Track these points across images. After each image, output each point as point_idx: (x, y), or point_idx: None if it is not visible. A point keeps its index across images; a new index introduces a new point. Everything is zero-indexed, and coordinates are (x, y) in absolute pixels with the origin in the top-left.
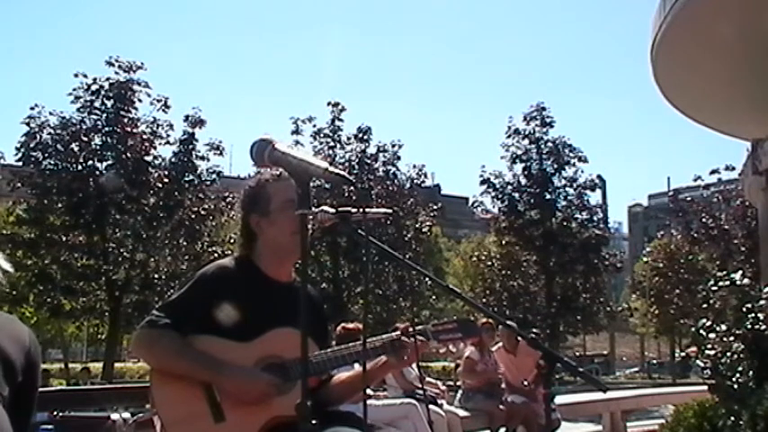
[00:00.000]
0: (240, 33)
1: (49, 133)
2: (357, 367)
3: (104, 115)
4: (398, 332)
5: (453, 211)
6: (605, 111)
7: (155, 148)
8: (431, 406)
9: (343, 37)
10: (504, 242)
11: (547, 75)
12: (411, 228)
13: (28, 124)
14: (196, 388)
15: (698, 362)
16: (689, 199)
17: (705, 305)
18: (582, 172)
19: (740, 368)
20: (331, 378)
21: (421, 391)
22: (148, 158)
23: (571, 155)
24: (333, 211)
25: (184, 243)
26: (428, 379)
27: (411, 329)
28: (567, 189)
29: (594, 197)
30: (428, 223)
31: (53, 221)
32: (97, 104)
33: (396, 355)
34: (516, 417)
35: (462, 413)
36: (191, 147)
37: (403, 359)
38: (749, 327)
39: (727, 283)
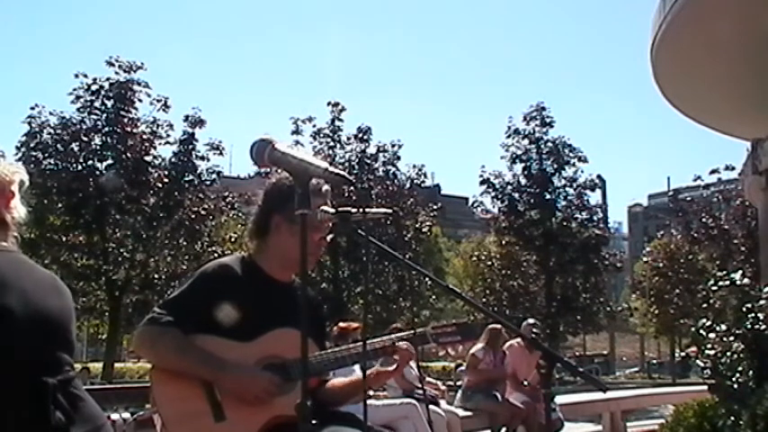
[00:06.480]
0: (240, 33)
1: (50, 133)
2: (356, 369)
3: (104, 115)
4: (399, 335)
5: (453, 211)
6: (605, 110)
7: (155, 148)
8: (431, 406)
9: (344, 37)
10: (504, 242)
11: (547, 75)
12: (411, 228)
13: (29, 124)
14: (197, 386)
15: (698, 362)
16: (689, 199)
17: (705, 305)
18: (582, 172)
19: (740, 368)
20: (327, 381)
21: (421, 391)
22: (148, 158)
23: (571, 155)
24: (333, 211)
25: (184, 243)
26: (428, 379)
27: (411, 331)
28: (567, 189)
29: (594, 197)
30: (428, 223)
31: (53, 221)
32: (97, 104)
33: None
34: (517, 416)
35: (462, 413)
36: (190, 147)
37: (396, 367)
38: (749, 327)
39: (727, 283)
